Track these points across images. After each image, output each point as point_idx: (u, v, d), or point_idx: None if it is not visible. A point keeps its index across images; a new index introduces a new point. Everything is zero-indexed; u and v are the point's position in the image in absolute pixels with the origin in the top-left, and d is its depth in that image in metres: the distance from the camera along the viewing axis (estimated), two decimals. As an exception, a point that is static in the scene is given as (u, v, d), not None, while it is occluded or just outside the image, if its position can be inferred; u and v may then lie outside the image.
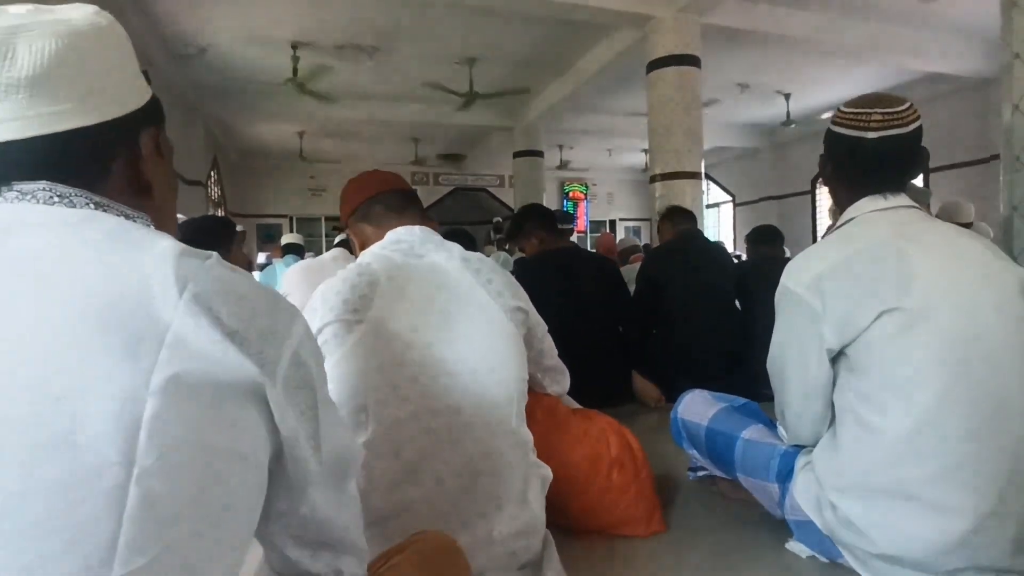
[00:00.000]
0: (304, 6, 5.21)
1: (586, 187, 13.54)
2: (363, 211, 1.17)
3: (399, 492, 0.96)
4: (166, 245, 0.48)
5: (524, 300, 1.12)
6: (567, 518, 1.27)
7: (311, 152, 10.03)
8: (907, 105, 1.09)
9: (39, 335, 0.40)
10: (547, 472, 1.13)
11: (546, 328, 1.21)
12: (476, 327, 1.02)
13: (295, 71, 6.08)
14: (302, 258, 4.51)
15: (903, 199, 1.12)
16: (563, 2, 4.74)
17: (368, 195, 1.17)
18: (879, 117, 1.08)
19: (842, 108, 1.14)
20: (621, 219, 13.99)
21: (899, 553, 1.00)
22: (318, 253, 9.19)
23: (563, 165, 11.71)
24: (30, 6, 0.52)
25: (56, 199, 0.49)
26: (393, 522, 0.95)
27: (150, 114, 0.59)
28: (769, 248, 3.09)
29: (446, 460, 0.98)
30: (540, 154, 9.02)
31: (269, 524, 0.55)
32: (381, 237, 1.11)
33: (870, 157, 1.10)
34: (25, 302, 0.42)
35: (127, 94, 0.56)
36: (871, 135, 1.08)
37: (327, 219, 11.99)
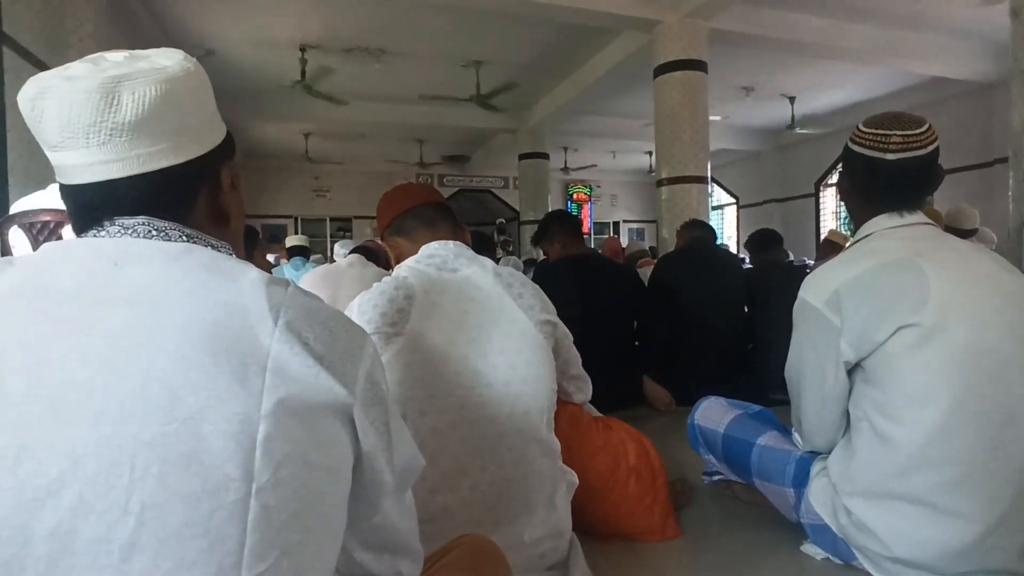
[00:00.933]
0: (311, 9, 5.26)
1: (590, 189, 13.58)
2: (397, 225, 1.21)
3: (436, 498, 1.01)
4: (255, 275, 0.53)
5: (552, 313, 1.17)
6: (584, 524, 1.31)
7: (316, 153, 10.08)
8: (926, 127, 1.12)
9: (161, 361, 0.45)
10: (573, 478, 1.18)
11: (572, 338, 1.25)
12: (509, 340, 1.06)
13: (303, 73, 6.13)
14: (308, 260, 4.53)
15: (919, 216, 1.16)
16: (569, 6, 4.77)
17: (401, 209, 1.20)
18: (899, 139, 1.11)
19: (861, 127, 1.17)
20: (625, 221, 14.02)
21: (912, 557, 1.05)
22: (323, 254, 9.26)
23: (567, 167, 11.76)
24: (125, 53, 0.56)
25: (154, 233, 0.54)
26: (429, 526, 0.99)
27: (227, 149, 0.64)
28: (771, 253, 3.14)
29: (482, 468, 1.02)
30: (545, 156, 9.05)
31: (344, 530, 0.59)
32: (416, 250, 1.15)
33: (888, 177, 1.13)
34: (144, 330, 0.46)
35: (210, 132, 0.60)
36: (890, 156, 1.12)
37: (332, 220, 12.05)
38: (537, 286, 1.18)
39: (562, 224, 2.66)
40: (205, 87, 0.60)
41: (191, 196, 0.59)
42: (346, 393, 0.50)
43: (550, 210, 4.75)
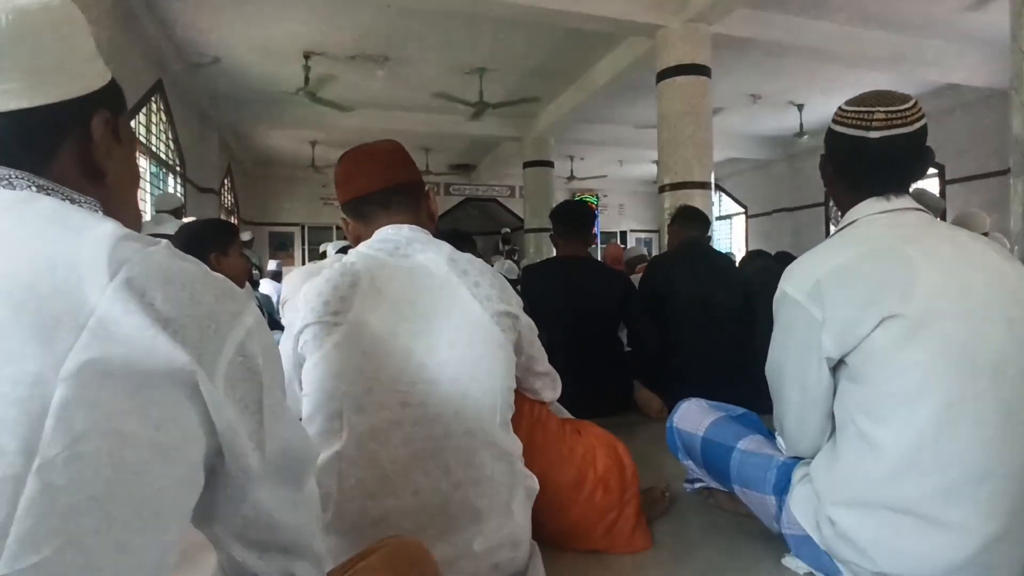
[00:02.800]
0: (316, 16, 5.27)
1: (597, 198, 13.51)
2: (353, 209, 1.13)
3: (375, 503, 0.93)
4: (108, 228, 0.46)
5: (514, 305, 1.08)
6: (542, 536, 1.20)
7: (323, 161, 10.11)
8: (911, 103, 1.05)
9: None
10: (533, 483, 1.09)
11: (536, 333, 1.17)
12: (460, 332, 0.98)
13: (307, 80, 6.15)
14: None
15: (907, 201, 1.07)
16: (572, 12, 4.74)
17: (356, 195, 1.11)
18: (882, 116, 1.04)
19: (843, 106, 1.10)
20: (632, 230, 13.93)
21: (900, 572, 0.95)
22: (328, 262, 9.29)
23: (574, 176, 11.71)
24: None
25: None
26: (370, 531, 0.92)
27: (105, 98, 0.57)
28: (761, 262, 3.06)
29: (425, 470, 0.94)
30: (550, 164, 9.01)
31: (213, 524, 0.52)
32: (371, 233, 1.08)
33: (873, 158, 1.06)
34: None
35: (78, 76, 0.54)
36: (874, 135, 1.04)
37: (339, 228, 12.07)
38: (499, 276, 1.10)
39: (556, 224, 2.56)
40: (73, 25, 0.54)
41: (50, 145, 0.52)
42: (189, 360, 0.43)
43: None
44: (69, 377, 0.38)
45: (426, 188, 1.17)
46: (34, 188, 0.49)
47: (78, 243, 0.44)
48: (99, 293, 0.41)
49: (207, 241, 1.90)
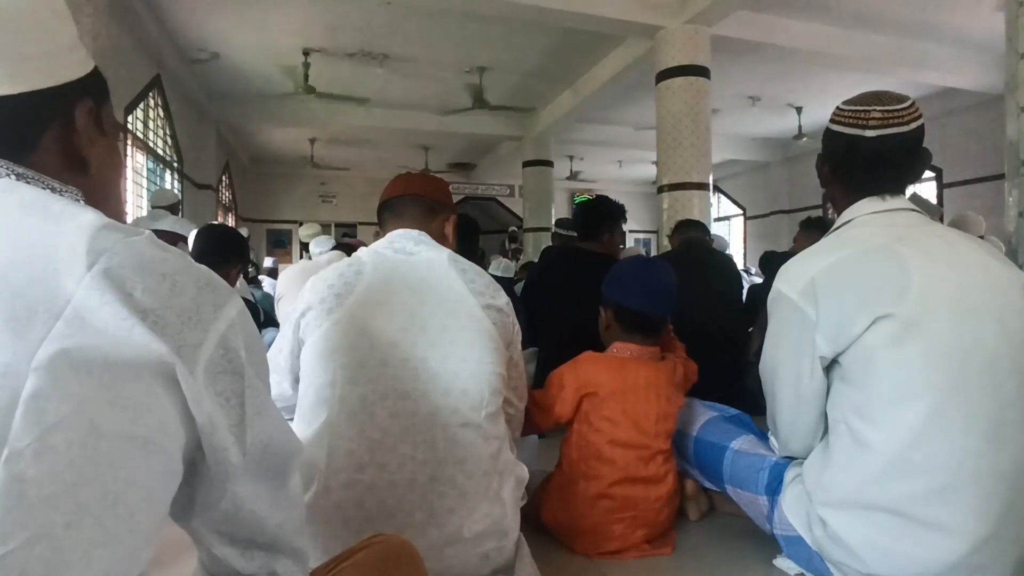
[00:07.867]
0: (315, 13, 5.26)
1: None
2: (379, 220, 1.23)
3: (363, 476, 0.95)
4: (88, 218, 0.46)
5: (505, 306, 1.12)
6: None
7: (322, 159, 10.09)
8: (908, 103, 1.05)
9: None
10: (523, 472, 1.11)
11: (520, 346, 1.21)
12: (452, 318, 1.03)
13: (306, 77, 6.13)
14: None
15: (903, 201, 1.07)
16: (572, 12, 4.74)
17: (379, 204, 1.22)
18: (878, 115, 1.04)
19: (841, 106, 1.11)
20: (631, 231, 13.91)
21: (890, 574, 0.95)
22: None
23: (573, 176, 11.70)
24: None
25: None
26: (355, 512, 0.94)
27: (89, 88, 0.56)
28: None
29: (412, 443, 0.97)
30: (550, 164, 8.99)
31: (192, 519, 0.51)
32: None
33: (868, 156, 1.06)
34: None
35: (60, 65, 0.53)
36: (870, 133, 1.04)
37: (337, 226, 12.04)
38: (494, 280, 1.15)
39: (575, 226, 2.61)
40: (54, 13, 0.53)
41: (32, 133, 0.51)
42: (167, 351, 0.42)
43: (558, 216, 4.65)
44: (41, 367, 0.37)
45: (451, 215, 1.23)
46: (13, 176, 0.48)
47: (57, 232, 0.43)
48: (76, 282, 0.41)
49: (234, 249, 1.92)
